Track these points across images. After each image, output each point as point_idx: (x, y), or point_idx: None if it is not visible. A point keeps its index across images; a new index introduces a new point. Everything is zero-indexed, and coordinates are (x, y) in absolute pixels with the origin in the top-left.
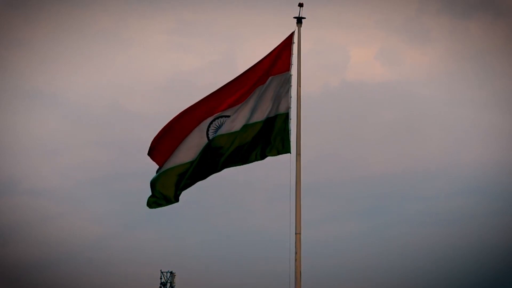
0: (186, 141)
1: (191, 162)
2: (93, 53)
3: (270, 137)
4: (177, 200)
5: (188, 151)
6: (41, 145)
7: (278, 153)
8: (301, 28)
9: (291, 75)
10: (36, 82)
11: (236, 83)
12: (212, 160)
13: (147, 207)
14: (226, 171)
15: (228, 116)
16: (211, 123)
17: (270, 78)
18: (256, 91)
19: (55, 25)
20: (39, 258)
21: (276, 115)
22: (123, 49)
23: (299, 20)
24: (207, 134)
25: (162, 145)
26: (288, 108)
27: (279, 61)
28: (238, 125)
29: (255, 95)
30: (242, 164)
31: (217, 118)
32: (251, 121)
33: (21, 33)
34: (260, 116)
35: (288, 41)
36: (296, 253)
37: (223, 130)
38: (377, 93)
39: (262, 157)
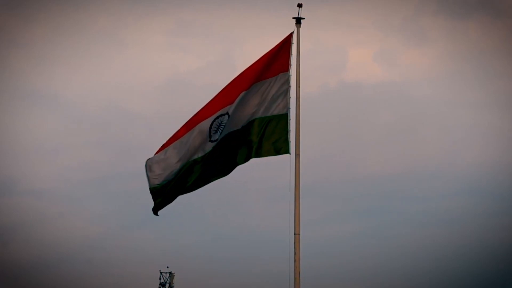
0: (180, 145)
1: (169, 181)
2: (92, 53)
3: (262, 138)
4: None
5: (174, 159)
6: (41, 145)
7: (275, 153)
8: (300, 29)
9: (289, 76)
10: (35, 83)
11: (235, 82)
12: (184, 179)
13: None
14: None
15: (227, 114)
16: (212, 123)
17: (268, 79)
18: (252, 90)
19: (54, 26)
20: (38, 258)
21: (272, 116)
22: (122, 49)
23: (298, 20)
24: (209, 134)
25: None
26: (287, 108)
27: (277, 61)
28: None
29: (251, 94)
30: (211, 181)
31: (217, 117)
32: (239, 126)
33: (20, 34)
34: (250, 117)
35: (287, 41)
36: (295, 253)
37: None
38: (375, 94)
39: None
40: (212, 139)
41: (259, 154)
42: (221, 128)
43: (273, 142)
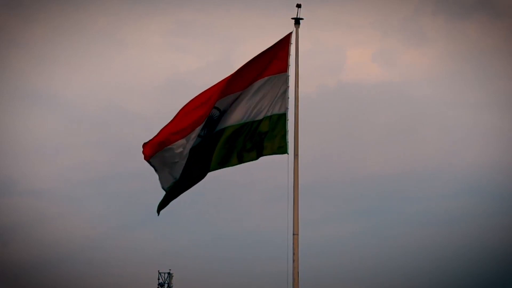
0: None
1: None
2: (91, 53)
3: (260, 138)
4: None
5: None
6: (40, 146)
7: (273, 153)
8: (298, 29)
9: (288, 76)
10: (35, 83)
11: (230, 80)
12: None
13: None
14: (224, 172)
15: (218, 109)
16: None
17: (266, 78)
18: (250, 90)
19: (54, 26)
20: (38, 258)
21: (271, 115)
22: (122, 49)
23: (297, 21)
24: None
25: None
26: (286, 109)
27: (276, 61)
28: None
29: (249, 93)
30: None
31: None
32: (236, 123)
33: (20, 34)
34: (249, 116)
35: (286, 41)
36: (294, 253)
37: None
38: (374, 94)
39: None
40: (201, 134)
41: (260, 154)
42: (212, 124)
43: (271, 142)
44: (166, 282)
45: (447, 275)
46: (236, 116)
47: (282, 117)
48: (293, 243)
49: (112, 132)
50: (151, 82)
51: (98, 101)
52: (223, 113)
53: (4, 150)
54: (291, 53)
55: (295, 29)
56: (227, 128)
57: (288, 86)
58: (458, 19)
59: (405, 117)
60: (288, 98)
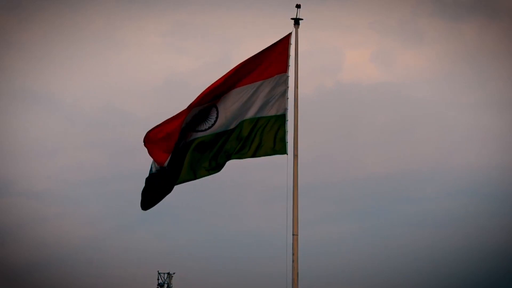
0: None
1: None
2: (89, 54)
3: (257, 137)
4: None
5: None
6: (38, 146)
7: (272, 153)
8: (298, 29)
9: (288, 77)
10: (33, 84)
11: (228, 79)
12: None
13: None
14: (223, 172)
15: (213, 105)
16: (197, 113)
17: (266, 79)
18: (249, 90)
19: (52, 27)
20: (35, 259)
21: (270, 116)
22: (119, 50)
23: (297, 21)
24: (194, 124)
25: (161, 145)
26: (285, 109)
27: (276, 62)
28: (219, 126)
29: (248, 94)
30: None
31: (203, 108)
32: (236, 124)
33: (18, 35)
34: (246, 116)
35: (286, 42)
36: (293, 254)
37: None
38: (372, 95)
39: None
40: (198, 129)
41: (256, 154)
42: (210, 121)
43: (270, 142)
44: (166, 282)
45: (446, 275)
46: (238, 115)
47: (281, 118)
48: (292, 244)
49: (110, 132)
50: (149, 82)
51: (96, 102)
52: (225, 112)
53: (2, 150)
54: (290, 54)
55: (294, 29)
56: (197, 138)
57: (287, 87)
58: (456, 20)
59: (404, 118)
60: (288, 98)
